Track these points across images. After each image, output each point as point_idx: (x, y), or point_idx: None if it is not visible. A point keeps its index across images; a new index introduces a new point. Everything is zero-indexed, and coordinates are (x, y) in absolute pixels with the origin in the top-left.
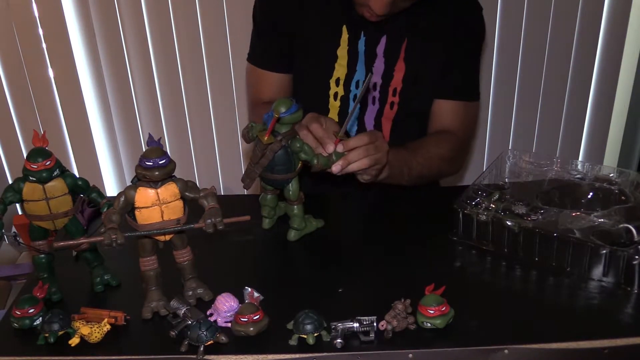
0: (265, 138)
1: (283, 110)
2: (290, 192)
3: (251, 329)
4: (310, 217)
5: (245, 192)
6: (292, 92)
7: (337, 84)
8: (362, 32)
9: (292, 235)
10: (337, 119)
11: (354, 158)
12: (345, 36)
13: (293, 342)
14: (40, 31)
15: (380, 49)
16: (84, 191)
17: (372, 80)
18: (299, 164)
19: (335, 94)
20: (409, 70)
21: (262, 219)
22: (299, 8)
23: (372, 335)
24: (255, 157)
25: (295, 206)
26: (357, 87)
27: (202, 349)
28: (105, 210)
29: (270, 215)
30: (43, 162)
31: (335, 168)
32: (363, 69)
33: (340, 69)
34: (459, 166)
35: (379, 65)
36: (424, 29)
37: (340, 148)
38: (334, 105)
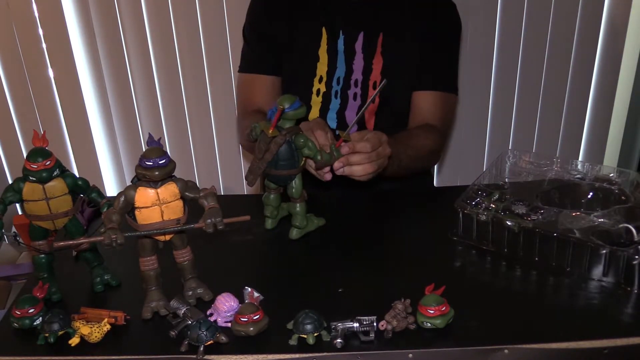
0: (270, 131)
1: (287, 105)
2: (294, 190)
3: (251, 329)
4: (311, 215)
5: (245, 192)
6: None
7: (320, 82)
8: (341, 31)
9: (294, 233)
10: (318, 114)
11: (356, 161)
12: (325, 37)
13: (293, 342)
14: (40, 31)
15: (358, 45)
16: (84, 191)
17: (353, 76)
18: (303, 161)
19: (318, 91)
20: (386, 62)
21: (265, 218)
22: (284, 17)
23: (372, 335)
24: (260, 151)
25: (298, 204)
26: (338, 83)
27: (202, 349)
28: (105, 210)
29: (273, 215)
30: (43, 162)
31: (337, 165)
32: (343, 65)
33: (322, 68)
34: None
35: (358, 61)
36: (398, 22)
37: (345, 150)
38: (316, 101)
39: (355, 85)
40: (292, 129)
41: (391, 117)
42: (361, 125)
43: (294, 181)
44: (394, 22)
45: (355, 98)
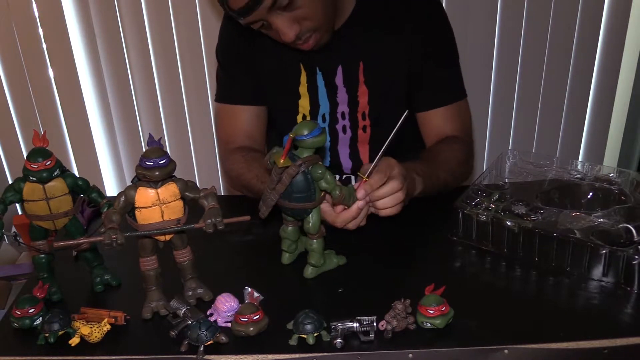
0: (281, 161)
1: (305, 132)
2: (310, 224)
3: (251, 329)
4: (331, 252)
5: None
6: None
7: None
8: (317, 68)
9: (309, 272)
10: None
11: (383, 194)
12: (304, 74)
13: (293, 342)
14: (40, 31)
15: (338, 80)
16: (84, 191)
17: (339, 109)
18: (321, 194)
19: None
20: (372, 91)
21: (282, 253)
22: (257, 48)
23: (372, 335)
24: (272, 182)
25: (315, 240)
26: (324, 120)
27: (202, 349)
28: (105, 210)
29: (290, 249)
30: (43, 162)
31: (361, 204)
32: (326, 101)
33: (304, 105)
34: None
35: (342, 95)
36: (379, 46)
37: (361, 194)
38: None
39: (343, 117)
40: (309, 158)
41: (388, 147)
42: (355, 158)
43: (310, 215)
44: (372, 48)
45: (344, 131)
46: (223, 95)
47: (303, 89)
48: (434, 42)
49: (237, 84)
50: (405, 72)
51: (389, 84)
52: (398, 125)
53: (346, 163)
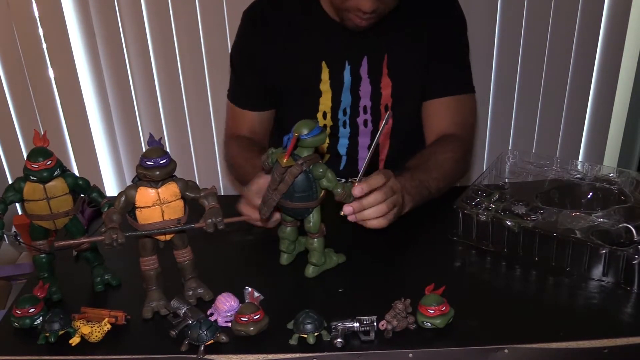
0: (285, 160)
1: (305, 132)
2: (311, 224)
3: (251, 328)
4: (330, 250)
5: None
6: (279, 128)
7: (325, 117)
8: (347, 61)
9: (310, 271)
10: (327, 144)
11: (370, 203)
12: (326, 71)
13: (293, 341)
14: (40, 31)
15: (363, 71)
16: (85, 191)
17: (361, 103)
18: (322, 193)
19: (324, 127)
20: (395, 83)
21: (280, 253)
22: (276, 51)
23: (372, 335)
24: (274, 182)
25: (316, 239)
26: (344, 114)
27: (202, 348)
28: (105, 210)
29: (289, 249)
30: (44, 161)
31: (347, 209)
32: (349, 95)
33: (325, 102)
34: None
35: (365, 86)
36: (401, 38)
37: (357, 191)
38: None
39: (365, 112)
40: (310, 157)
41: (407, 139)
42: (376, 151)
43: (311, 215)
44: (396, 41)
45: (365, 125)
46: (233, 97)
47: (325, 86)
48: (448, 34)
49: (247, 91)
50: (424, 65)
51: (411, 76)
52: (382, 126)
53: (363, 153)
